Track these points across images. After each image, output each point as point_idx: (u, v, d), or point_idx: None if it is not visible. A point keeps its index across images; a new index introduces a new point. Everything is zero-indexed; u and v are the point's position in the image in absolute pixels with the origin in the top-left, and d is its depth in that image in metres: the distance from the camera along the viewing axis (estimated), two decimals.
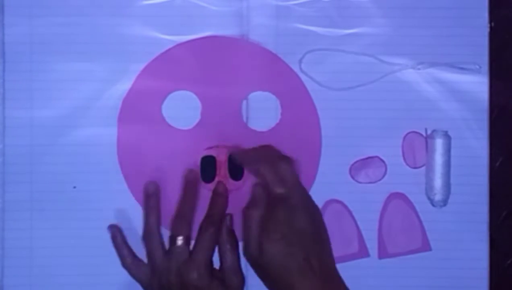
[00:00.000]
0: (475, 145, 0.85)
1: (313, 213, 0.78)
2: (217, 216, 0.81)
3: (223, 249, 0.81)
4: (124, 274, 0.83)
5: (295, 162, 0.80)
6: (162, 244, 0.81)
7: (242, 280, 0.81)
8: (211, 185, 0.85)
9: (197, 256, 0.79)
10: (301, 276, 0.75)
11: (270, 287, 0.77)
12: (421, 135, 0.85)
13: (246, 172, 0.85)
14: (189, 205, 0.82)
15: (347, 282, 0.84)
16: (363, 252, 0.85)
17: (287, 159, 0.79)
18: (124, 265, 0.83)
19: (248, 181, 0.84)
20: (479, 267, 0.84)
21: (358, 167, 0.85)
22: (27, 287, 0.85)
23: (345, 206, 0.85)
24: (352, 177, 0.85)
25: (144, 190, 0.84)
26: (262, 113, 0.85)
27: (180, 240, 0.79)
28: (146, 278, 0.82)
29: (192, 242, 0.80)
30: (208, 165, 0.85)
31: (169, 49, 0.85)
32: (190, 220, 0.81)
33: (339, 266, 0.83)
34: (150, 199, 0.83)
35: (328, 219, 0.84)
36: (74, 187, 0.85)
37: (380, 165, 0.85)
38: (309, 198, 0.78)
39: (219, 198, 0.82)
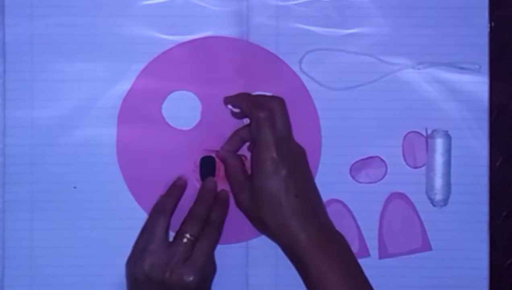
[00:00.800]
0: (475, 145, 0.85)
1: (298, 151, 0.80)
2: (220, 221, 0.82)
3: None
4: (123, 275, 0.83)
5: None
6: (166, 231, 0.81)
7: (215, 268, 0.82)
8: None
9: (197, 260, 0.79)
10: (295, 217, 0.76)
11: (268, 234, 0.79)
12: (421, 135, 0.85)
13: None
14: (205, 207, 0.82)
15: None
16: (363, 251, 0.85)
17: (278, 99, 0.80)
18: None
19: None
20: (479, 267, 0.84)
21: (359, 167, 0.85)
22: (27, 287, 0.85)
23: (346, 206, 0.85)
24: (353, 177, 0.85)
25: (174, 182, 0.84)
26: None
27: (186, 238, 0.79)
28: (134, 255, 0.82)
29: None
30: (207, 166, 0.85)
31: (169, 49, 0.85)
32: (203, 223, 0.81)
33: None
34: (176, 188, 0.83)
35: None
36: (75, 188, 0.85)
37: (380, 165, 0.85)
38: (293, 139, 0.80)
39: (221, 205, 0.83)
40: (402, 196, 0.85)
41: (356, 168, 0.85)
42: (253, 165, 0.79)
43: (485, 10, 0.85)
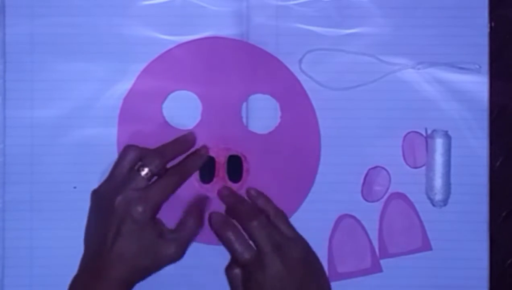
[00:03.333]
0: (475, 145, 0.85)
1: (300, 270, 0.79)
2: (187, 170, 0.82)
3: (184, 219, 0.81)
4: None
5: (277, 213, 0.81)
6: (135, 162, 0.80)
7: (178, 256, 0.80)
8: (209, 186, 0.85)
9: (149, 192, 0.78)
10: None
11: None
12: (421, 135, 0.85)
13: (244, 174, 0.85)
14: (173, 150, 0.82)
15: (347, 281, 0.84)
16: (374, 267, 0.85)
17: (260, 217, 0.80)
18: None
19: (247, 183, 0.84)
20: (479, 267, 0.84)
21: (368, 186, 0.85)
22: (27, 287, 0.85)
23: None
24: (365, 199, 0.85)
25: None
26: (262, 116, 0.85)
27: (144, 171, 0.79)
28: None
29: None
30: (207, 166, 0.85)
31: (170, 49, 0.85)
32: (166, 162, 0.81)
33: None
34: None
35: None
36: (75, 188, 0.85)
37: (384, 177, 0.84)
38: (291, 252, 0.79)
39: (198, 157, 0.83)
40: (402, 196, 0.85)
41: (367, 189, 0.85)
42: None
43: (485, 10, 0.85)
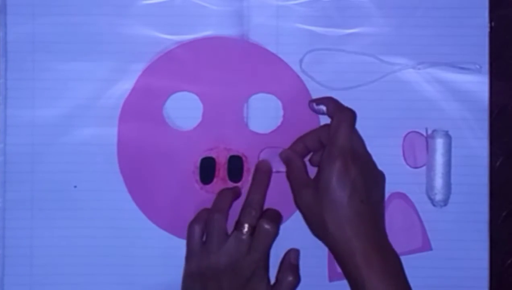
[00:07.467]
0: (476, 145, 0.85)
1: (374, 166, 0.81)
2: (275, 216, 0.82)
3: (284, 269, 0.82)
4: (123, 275, 0.84)
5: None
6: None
7: (297, 280, 0.81)
8: (210, 187, 0.85)
9: (255, 250, 0.79)
10: (355, 221, 0.76)
11: (324, 235, 0.78)
12: (422, 135, 0.85)
13: (245, 174, 0.85)
14: (259, 195, 0.82)
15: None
16: None
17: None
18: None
19: (247, 183, 0.84)
20: (479, 267, 0.84)
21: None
22: (27, 286, 0.85)
23: None
24: None
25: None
26: (264, 115, 0.85)
27: (245, 228, 0.79)
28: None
29: None
30: (207, 166, 0.85)
31: (171, 50, 0.85)
32: (259, 211, 0.80)
33: None
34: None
35: None
36: (75, 187, 0.85)
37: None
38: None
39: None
40: (402, 196, 0.85)
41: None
42: (323, 162, 0.78)
43: (485, 10, 0.85)
